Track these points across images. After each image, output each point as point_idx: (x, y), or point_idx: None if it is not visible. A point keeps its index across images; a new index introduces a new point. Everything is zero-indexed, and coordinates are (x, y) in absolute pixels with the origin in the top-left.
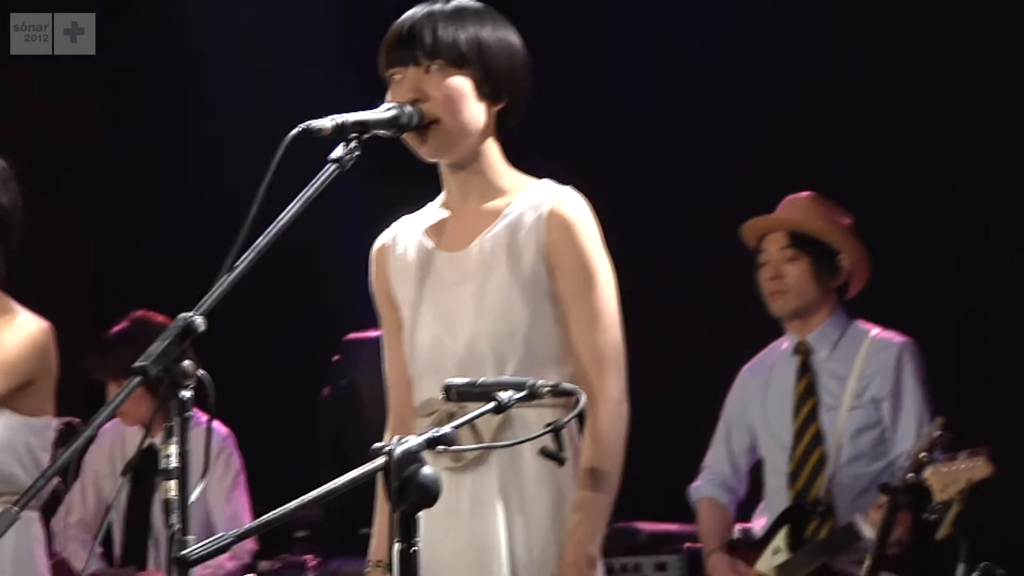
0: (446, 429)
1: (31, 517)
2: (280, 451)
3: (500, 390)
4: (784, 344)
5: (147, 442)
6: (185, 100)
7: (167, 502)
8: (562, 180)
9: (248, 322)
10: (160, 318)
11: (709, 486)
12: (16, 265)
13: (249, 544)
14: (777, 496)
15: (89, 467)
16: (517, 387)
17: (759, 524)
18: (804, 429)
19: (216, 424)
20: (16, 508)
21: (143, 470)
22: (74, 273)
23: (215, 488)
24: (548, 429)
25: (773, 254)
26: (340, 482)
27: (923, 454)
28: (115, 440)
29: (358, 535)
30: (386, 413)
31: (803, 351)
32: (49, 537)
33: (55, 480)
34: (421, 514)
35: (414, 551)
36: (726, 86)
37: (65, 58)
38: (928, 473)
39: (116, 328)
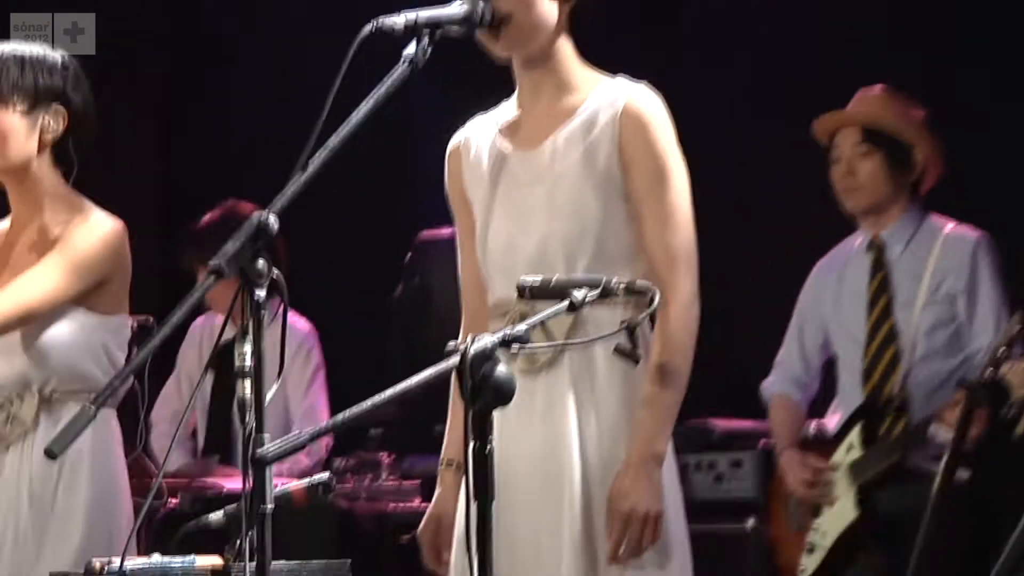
0: (520, 328)
1: (108, 415)
2: (355, 349)
3: (574, 288)
4: (858, 240)
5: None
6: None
7: (242, 401)
8: (635, 76)
9: (325, 220)
10: (249, 207)
11: (781, 382)
12: (88, 164)
13: (325, 440)
14: (851, 393)
15: (183, 361)
16: (591, 285)
17: (832, 421)
18: (878, 326)
19: (299, 320)
20: (93, 406)
21: (227, 362)
22: (145, 171)
23: (294, 382)
24: (623, 327)
25: (846, 150)
26: (414, 381)
27: (1001, 349)
28: (204, 332)
29: (432, 433)
30: (458, 313)
31: (877, 247)
32: (145, 432)
33: (131, 379)
34: (495, 414)
35: (488, 450)
36: None
37: None
38: (1006, 369)
39: (207, 217)
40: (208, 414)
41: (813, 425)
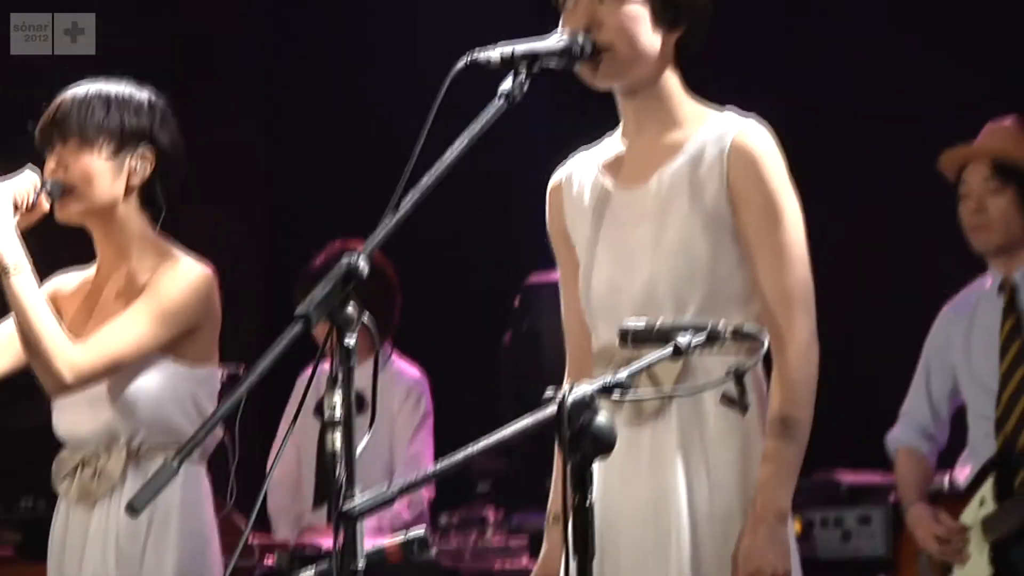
0: (621, 375)
1: (197, 469)
2: (464, 398)
3: (679, 333)
4: (988, 282)
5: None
6: (348, 28)
7: (331, 453)
8: (746, 107)
9: (430, 264)
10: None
11: (908, 434)
12: (182, 207)
13: (427, 493)
14: (982, 444)
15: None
16: (697, 330)
17: (963, 474)
18: (1011, 372)
19: (409, 366)
20: (176, 461)
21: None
22: (244, 214)
23: (400, 429)
24: (730, 375)
25: (975, 186)
26: (511, 431)
27: None
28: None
29: (542, 487)
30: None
31: (1009, 289)
32: (235, 488)
33: (219, 431)
34: (597, 466)
35: (589, 504)
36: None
37: None
38: None
39: (321, 257)
40: (316, 465)
41: (943, 478)
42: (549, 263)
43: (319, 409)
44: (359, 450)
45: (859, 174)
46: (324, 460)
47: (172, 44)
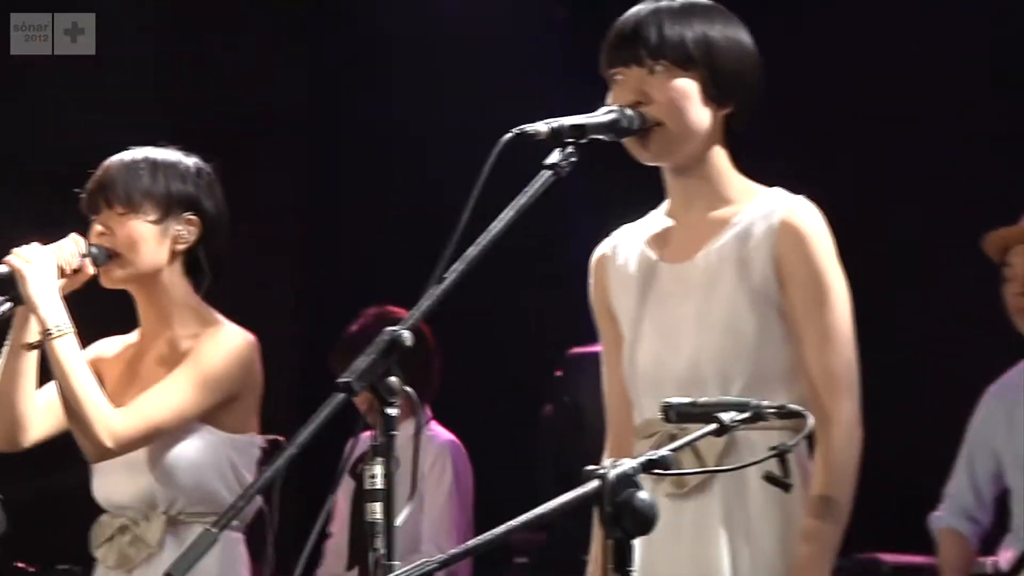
0: (664, 451)
1: (235, 538)
2: (503, 469)
3: (722, 411)
4: None
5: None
6: (392, 98)
7: (372, 525)
8: (793, 188)
9: (469, 333)
10: (398, 311)
11: (950, 516)
12: (221, 275)
13: (465, 566)
14: None
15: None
16: (740, 408)
17: (1005, 557)
18: None
19: (441, 431)
20: (215, 529)
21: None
22: (281, 284)
23: (428, 496)
24: (773, 453)
25: (1020, 268)
26: (551, 506)
27: None
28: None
29: (580, 561)
30: None
31: None
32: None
33: (258, 500)
34: (638, 542)
35: None
36: (965, 82)
37: (271, 52)
38: None
39: (358, 323)
40: (349, 527)
41: (987, 562)
42: (591, 335)
43: (353, 469)
44: (399, 521)
45: (899, 249)
46: (357, 522)
47: (215, 112)
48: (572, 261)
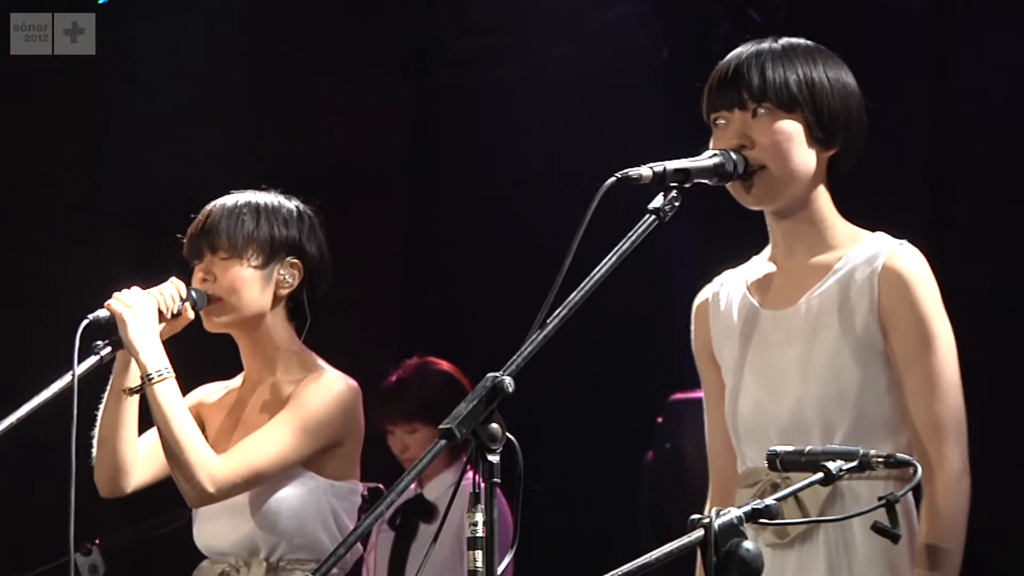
0: (769, 501)
1: None
2: (604, 516)
3: (828, 460)
4: None
5: (416, 491)
6: (492, 144)
7: (474, 573)
8: (899, 233)
9: (568, 379)
10: (443, 364)
11: None
12: (321, 320)
13: None
14: None
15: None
16: (847, 457)
17: None
18: None
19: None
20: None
21: (408, 519)
22: (377, 329)
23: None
24: (881, 503)
25: None
26: (655, 555)
27: None
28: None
29: None
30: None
31: None
32: None
33: (358, 547)
34: None
35: None
36: None
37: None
38: None
39: (395, 375)
40: (388, 571)
41: None
42: (693, 381)
43: (393, 520)
44: (500, 569)
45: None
46: (394, 572)
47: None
48: (674, 306)
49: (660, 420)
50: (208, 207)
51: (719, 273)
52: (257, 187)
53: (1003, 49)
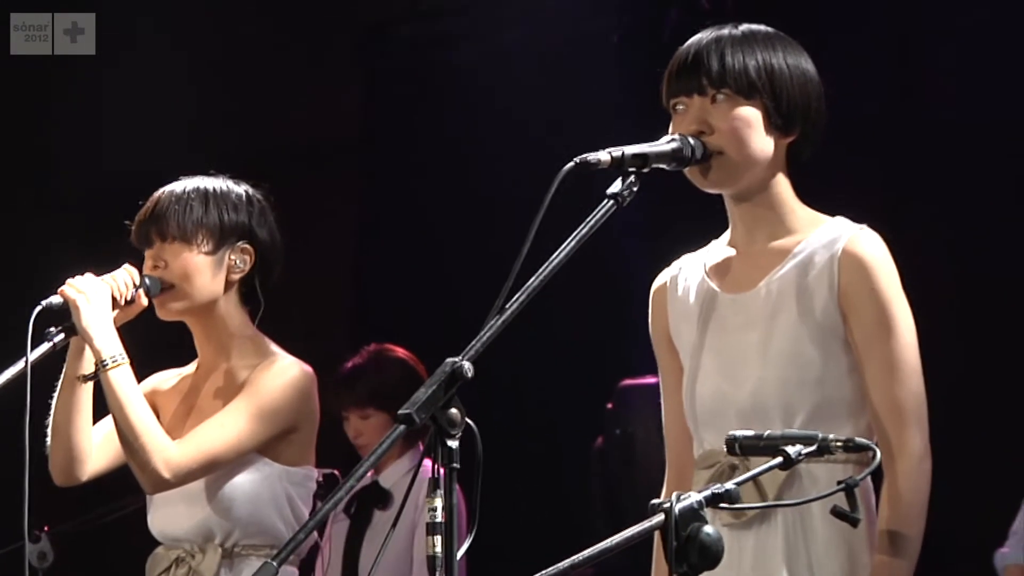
0: (729, 485)
1: (290, 572)
2: (551, 504)
3: (787, 444)
4: None
5: (372, 479)
6: (447, 127)
7: (432, 559)
8: (858, 219)
9: (518, 364)
10: (399, 352)
11: (1016, 552)
12: (273, 305)
13: None
14: None
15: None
16: (806, 441)
17: None
18: None
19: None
20: (275, 562)
21: (363, 506)
22: (332, 313)
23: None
24: (840, 487)
25: None
26: (615, 540)
27: None
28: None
29: None
30: (663, 465)
31: None
32: None
33: (314, 534)
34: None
35: None
36: None
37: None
38: None
39: (352, 361)
40: (343, 558)
41: None
42: (643, 367)
43: (348, 508)
44: (460, 554)
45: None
46: (350, 564)
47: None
48: (629, 291)
49: (610, 406)
50: (156, 194)
51: (671, 259)
52: (207, 172)
53: (963, 34)
